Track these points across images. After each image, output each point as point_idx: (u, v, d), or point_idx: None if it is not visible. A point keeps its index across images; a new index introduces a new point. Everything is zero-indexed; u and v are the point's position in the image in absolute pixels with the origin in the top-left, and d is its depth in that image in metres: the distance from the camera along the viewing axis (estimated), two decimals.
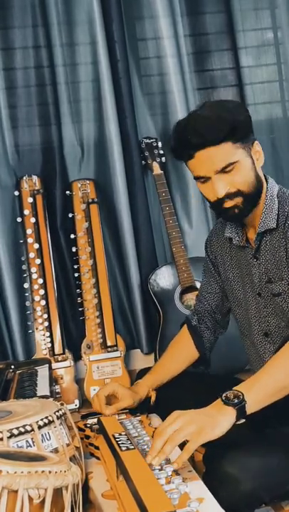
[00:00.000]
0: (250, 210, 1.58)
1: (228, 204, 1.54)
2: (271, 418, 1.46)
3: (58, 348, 2.66)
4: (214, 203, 1.56)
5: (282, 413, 1.47)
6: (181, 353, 1.87)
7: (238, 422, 1.31)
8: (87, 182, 2.79)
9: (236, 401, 1.31)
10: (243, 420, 1.32)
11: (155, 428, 1.48)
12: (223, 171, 1.51)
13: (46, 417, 1.28)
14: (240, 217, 1.60)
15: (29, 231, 2.70)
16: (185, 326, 1.90)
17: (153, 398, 1.74)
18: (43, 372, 2.06)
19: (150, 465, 1.21)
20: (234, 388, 1.35)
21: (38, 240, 2.70)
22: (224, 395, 1.33)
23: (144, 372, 1.90)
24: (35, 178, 2.76)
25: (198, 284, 2.64)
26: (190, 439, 1.25)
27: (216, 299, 1.85)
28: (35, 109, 2.80)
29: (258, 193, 1.57)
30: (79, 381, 2.70)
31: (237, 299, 1.75)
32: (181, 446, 1.28)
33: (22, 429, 1.22)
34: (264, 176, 1.64)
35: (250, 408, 1.33)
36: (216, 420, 1.29)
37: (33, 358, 2.63)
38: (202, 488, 1.16)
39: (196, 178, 1.56)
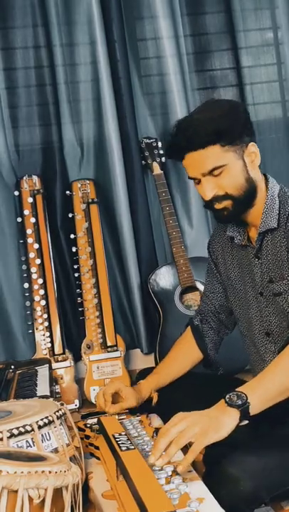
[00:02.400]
0: (241, 212, 1.59)
1: (218, 206, 1.57)
2: (271, 418, 1.46)
3: (58, 348, 2.66)
4: (206, 204, 1.59)
5: (282, 413, 1.47)
6: (184, 354, 1.86)
7: (242, 424, 1.30)
8: (87, 182, 2.79)
9: (240, 403, 1.31)
10: (247, 422, 1.31)
11: (155, 428, 1.49)
12: (211, 173, 1.53)
13: (46, 417, 1.28)
14: (230, 219, 1.62)
15: (29, 231, 2.70)
16: (189, 328, 1.90)
17: (155, 400, 1.74)
18: (43, 372, 2.06)
19: (152, 465, 1.21)
20: (237, 389, 1.34)
21: (38, 240, 2.70)
22: (228, 396, 1.32)
23: (145, 372, 1.90)
24: (35, 178, 2.76)
25: (198, 284, 2.64)
26: (195, 441, 1.25)
27: (220, 299, 1.85)
28: (35, 109, 2.80)
29: (249, 195, 1.57)
30: (79, 381, 2.69)
31: (238, 299, 1.75)
32: (183, 449, 1.28)
33: (22, 429, 1.22)
34: (265, 175, 1.64)
35: (254, 409, 1.32)
36: (220, 422, 1.28)
37: (33, 358, 2.63)
38: (202, 488, 1.16)
39: (189, 178, 1.59)
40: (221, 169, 1.52)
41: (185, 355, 1.86)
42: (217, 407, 1.33)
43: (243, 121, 1.55)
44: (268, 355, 1.67)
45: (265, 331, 1.67)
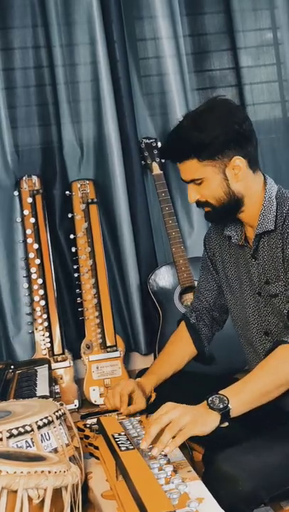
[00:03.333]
0: (224, 218, 1.65)
1: (204, 208, 1.64)
2: (270, 417, 1.46)
3: (57, 348, 2.66)
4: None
5: (281, 412, 1.47)
6: (180, 351, 1.87)
7: (222, 425, 1.34)
8: (87, 182, 2.79)
9: (221, 406, 1.35)
10: (227, 424, 1.35)
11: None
12: (193, 182, 1.58)
13: (46, 417, 1.28)
14: (216, 221, 1.70)
15: (29, 231, 2.70)
16: (183, 323, 1.90)
17: (152, 398, 1.74)
18: (42, 372, 2.06)
19: (144, 451, 1.24)
20: (220, 392, 1.37)
21: (38, 240, 2.70)
22: (210, 399, 1.36)
23: (144, 373, 1.90)
24: (34, 178, 2.76)
25: None
26: (184, 428, 1.29)
27: (214, 296, 1.86)
28: (34, 109, 2.80)
29: (229, 207, 1.59)
30: (78, 381, 2.69)
31: (234, 297, 1.75)
32: (182, 449, 1.31)
33: (22, 429, 1.22)
34: (264, 175, 1.64)
35: (235, 412, 1.36)
36: (205, 419, 1.33)
37: (33, 358, 2.63)
38: (202, 488, 1.16)
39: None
40: (199, 180, 1.57)
41: (180, 352, 1.86)
42: (201, 405, 1.37)
43: (228, 136, 1.53)
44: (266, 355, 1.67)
45: (263, 331, 1.67)
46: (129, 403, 1.69)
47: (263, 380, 1.41)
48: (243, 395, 1.38)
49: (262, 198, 1.60)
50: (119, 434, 1.37)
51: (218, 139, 1.52)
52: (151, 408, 1.71)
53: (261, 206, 1.59)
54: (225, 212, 1.61)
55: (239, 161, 1.55)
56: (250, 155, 1.58)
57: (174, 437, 1.28)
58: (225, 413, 1.34)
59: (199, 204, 1.63)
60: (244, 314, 1.71)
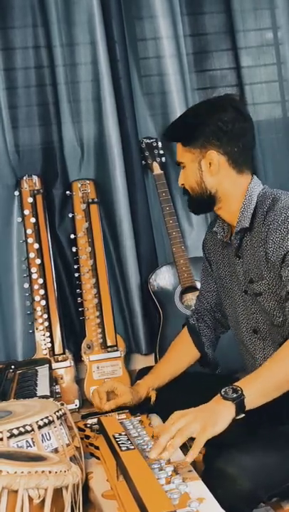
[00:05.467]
0: (199, 208, 1.72)
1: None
2: (269, 417, 1.46)
3: (58, 348, 2.66)
4: None
5: (280, 412, 1.47)
6: (182, 353, 1.87)
7: (238, 417, 1.32)
8: (87, 182, 2.79)
9: (235, 395, 1.32)
10: (243, 415, 1.32)
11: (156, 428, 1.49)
12: (179, 165, 1.68)
13: (46, 417, 1.28)
14: (192, 209, 1.76)
15: (29, 231, 2.70)
16: (185, 326, 1.90)
17: (153, 398, 1.75)
18: (43, 372, 2.06)
19: (153, 460, 1.22)
20: (233, 384, 1.36)
21: (38, 240, 2.70)
22: (223, 390, 1.34)
23: (144, 371, 1.91)
24: (35, 178, 2.76)
25: (198, 284, 2.63)
26: (196, 437, 1.26)
27: (215, 298, 1.86)
28: (35, 109, 2.80)
29: (201, 198, 1.64)
30: (79, 381, 2.69)
31: (227, 297, 1.76)
32: (183, 450, 1.29)
33: (22, 429, 1.22)
34: (252, 174, 1.64)
35: (250, 403, 1.33)
36: (217, 416, 1.30)
37: (33, 358, 2.63)
38: (202, 488, 1.16)
39: None
40: (182, 164, 1.66)
41: (182, 355, 1.86)
42: (213, 401, 1.35)
43: (210, 129, 1.58)
44: (257, 353, 1.68)
45: (252, 329, 1.68)
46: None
47: (274, 373, 1.39)
48: (257, 386, 1.37)
49: (242, 196, 1.61)
50: (120, 434, 1.37)
51: (198, 130, 1.59)
52: (153, 409, 1.71)
53: (241, 204, 1.61)
54: (198, 203, 1.67)
55: (214, 156, 1.59)
56: (232, 154, 1.59)
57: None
58: (239, 403, 1.32)
59: (184, 191, 1.69)
60: (235, 313, 1.73)
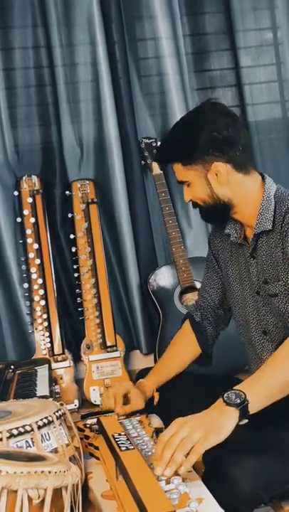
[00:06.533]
0: (216, 219, 1.70)
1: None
2: (270, 418, 1.46)
3: (57, 348, 2.66)
4: None
5: (280, 413, 1.47)
6: (184, 350, 1.86)
7: (242, 423, 1.28)
8: (87, 182, 2.79)
9: (238, 401, 1.28)
10: (246, 421, 1.29)
11: (155, 428, 1.48)
12: (183, 184, 1.65)
13: (46, 417, 1.28)
14: (208, 221, 1.78)
15: (29, 231, 2.71)
16: (187, 322, 1.89)
17: (156, 399, 1.73)
18: (42, 372, 2.06)
19: (159, 476, 1.18)
20: (235, 387, 1.32)
21: (38, 240, 2.70)
22: (226, 395, 1.30)
23: (145, 372, 1.90)
24: (34, 178, 2.76)
25: (197, 284, 2.64)
26: (198, 443, 1.23)
27: (219, 294, 1.85)
28: (34, 109, 2.80)
29: (216, 209, 1.62)
30: (79, 381, 2.70)
31: (234, 296, 1.75)
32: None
33: (22, 430, 1.22)
34: (262, 174, 1.64)
35: (253, 407, 1.30)
36: (220, 423, 1.26)
37: (33, 358, 2.63)
38: (202, 489, 1.16)
39: None
40: (187, 183, 1.63)
41: (185, 352, 1.85)
42: (216, 406, 1.31)
43: (208, 143, 1.55)
44: (265, 354, 1.67)
45: (262, 330, 1.67)
46: (127, 404, 1.69)
47: (276, 374, 1.36)
48: (260, 389, 1.33)
49: (259, 197, 1.60)
50: (120, 434, 1.37)
51: (196, 146, 1.56)
52: (153, 409, 1.71)
53: (259, 206, 1.59)
54: (214, 214, 1.65)
55: (220, 167, 1.57)
56: (235, 159, 1.57)
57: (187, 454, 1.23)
58: (243, 408, 1.28)
59: (194, 204, 1.67)
60: (244, 313, 1.71)
